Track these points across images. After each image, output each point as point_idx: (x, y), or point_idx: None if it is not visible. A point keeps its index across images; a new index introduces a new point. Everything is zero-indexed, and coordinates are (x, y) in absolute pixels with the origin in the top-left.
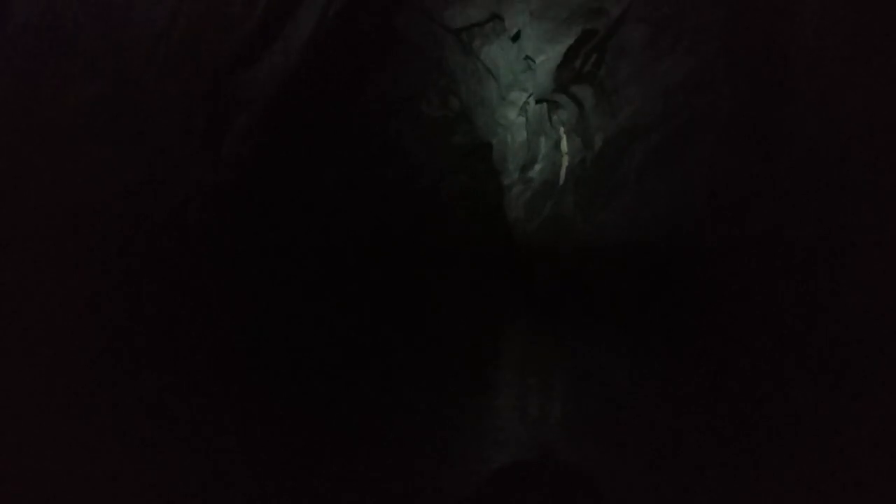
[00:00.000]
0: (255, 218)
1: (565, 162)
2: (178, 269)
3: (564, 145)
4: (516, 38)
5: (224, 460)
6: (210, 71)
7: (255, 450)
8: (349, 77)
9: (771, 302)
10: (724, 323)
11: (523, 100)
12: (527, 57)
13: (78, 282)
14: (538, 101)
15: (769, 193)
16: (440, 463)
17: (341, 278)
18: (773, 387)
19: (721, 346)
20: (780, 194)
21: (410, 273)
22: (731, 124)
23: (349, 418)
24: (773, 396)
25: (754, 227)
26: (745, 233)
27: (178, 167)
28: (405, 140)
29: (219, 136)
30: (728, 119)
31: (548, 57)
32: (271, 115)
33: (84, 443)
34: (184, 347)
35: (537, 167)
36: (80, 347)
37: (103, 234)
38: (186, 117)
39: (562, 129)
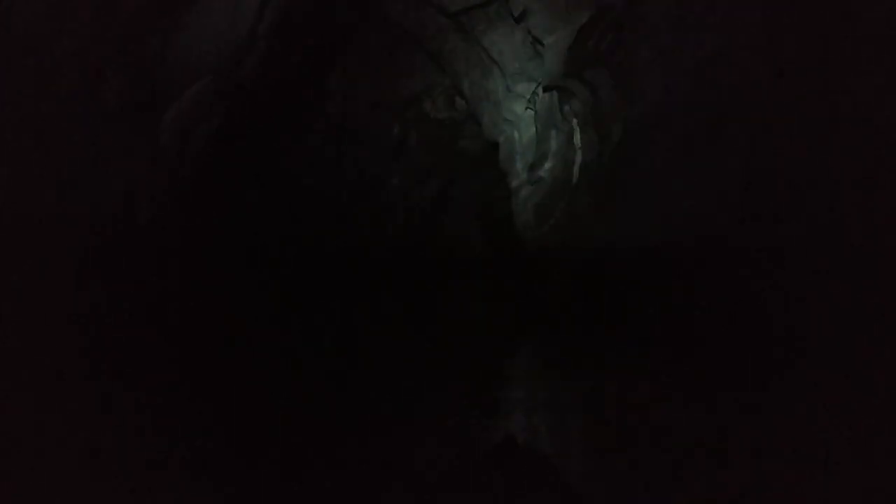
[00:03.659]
0: (232, 223)
1: (579, 158)
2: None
3: (578, 139)
4: (521, 18)
5: (219, 459)
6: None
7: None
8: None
9: (822, 316)
10: (758, 338)
11: (531, 91)
12: (534, 40)
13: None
14: (547, 90)
15: (820, 190)
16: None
17: (342, 289)
18: (815, 408)
19: (753, 363)
20: (835, 192)
21: (414, 284)
22: (773, 109)
23: (350, 418)
24: (811, 417)
25: (799, 227)
26: (787, 234)
27: (99, 157)
28: (410, 145)
29: (151, 124)
30: (769, 103)
31: (557, 37)
32: (236, 107)
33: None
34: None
35: (548, 165)
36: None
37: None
38: (99, 95)
39: (574, 121)
